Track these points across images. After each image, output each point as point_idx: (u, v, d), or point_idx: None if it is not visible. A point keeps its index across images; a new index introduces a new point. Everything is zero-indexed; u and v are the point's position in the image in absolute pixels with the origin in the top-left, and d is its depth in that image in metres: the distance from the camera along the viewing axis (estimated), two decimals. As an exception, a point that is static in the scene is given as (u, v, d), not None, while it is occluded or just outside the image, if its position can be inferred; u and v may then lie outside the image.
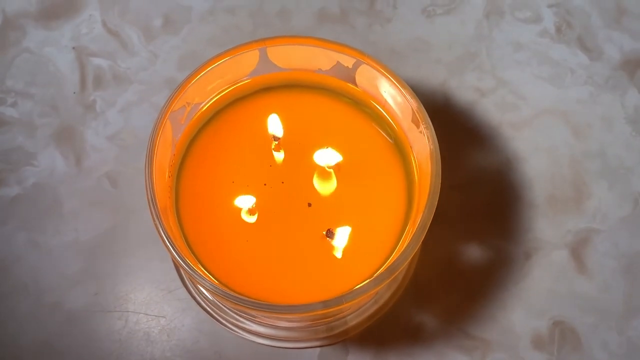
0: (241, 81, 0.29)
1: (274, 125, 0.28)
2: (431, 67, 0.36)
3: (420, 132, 0.27)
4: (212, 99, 0.29)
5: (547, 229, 0.33)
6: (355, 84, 0.29)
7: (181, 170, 0.29)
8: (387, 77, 0.27)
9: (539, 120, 0.35)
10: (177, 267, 0.32)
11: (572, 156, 0.34)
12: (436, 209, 0.33)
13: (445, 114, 0.35)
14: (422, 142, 0.27)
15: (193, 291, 0.31)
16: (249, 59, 0.28)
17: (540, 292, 0.32)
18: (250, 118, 0.30)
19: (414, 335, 0.31)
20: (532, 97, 0.35)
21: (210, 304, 0.31)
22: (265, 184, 0.29)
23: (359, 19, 0.37)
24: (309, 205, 0.28)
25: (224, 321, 0.31)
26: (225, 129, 0.29)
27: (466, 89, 0.36)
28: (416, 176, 0.28)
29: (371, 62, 0.27)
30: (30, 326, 0.31)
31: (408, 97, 0.26)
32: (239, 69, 0.28)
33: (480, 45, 0.36)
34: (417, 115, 0.26)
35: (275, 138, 0.28)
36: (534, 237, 0.33)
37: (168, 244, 0.24)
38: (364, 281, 0.25)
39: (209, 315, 0.31)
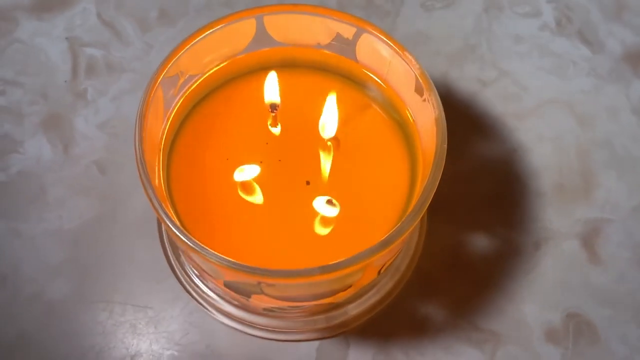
0: (237, 55, 0.28)
1: (272, 88, 0.27)
2: (431, 59, 0.35)
3: (424, 100, 0.25)
4: (207, 73, 0.28)
5: (556, 218, 0.32)
6: (356, 59, 0.28)
7: (173, 145, 0.27)
8: (388, 44, 0.26)
9: (542, 111, 0.34)
10: (166, 255, 0.30)
11: (578, 146, 0.33)
12: (439, 198, 0.32)
13: (447, 105, 0.34)
14: (426, 113, 0.26)
15: (183, 280, 0.29)
16: (245, 29, 0.27)
17: (552, 283, 0.30)
18: (246, 98, 0.29)
19: (419, 328, 0.29)
20: (535, 87, 0.35)
21: (202, 293, 0.29)
22: (261, 162, 0.27)
23: (357, 14, 0.36)
24: (307, 183, 0.27)
25: (215, 312, 0.29)
26: (220, 107, 0.28)
27: (467, 79, 0.35)
28: (420, 153, 0.27)
29: (372, 28, 0.26)
30: (6, 318, 0.29)
31: (411, 62, 0.25)
32: (235, 41, 0.27)
33: (480, 37, 0.36)
34: (421, 81, 0.25)
35: (273, 107, 0.27)
36: (542, 227, 0.31)
37: (161, 214, 0.22)
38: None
39: (200, 306, 0.29)
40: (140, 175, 0.23)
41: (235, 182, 0.26)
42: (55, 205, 0.31)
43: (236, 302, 0.28)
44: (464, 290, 0.30)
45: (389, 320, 0.29)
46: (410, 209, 0.23)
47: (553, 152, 0.33)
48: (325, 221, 0.26)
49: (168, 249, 0.30)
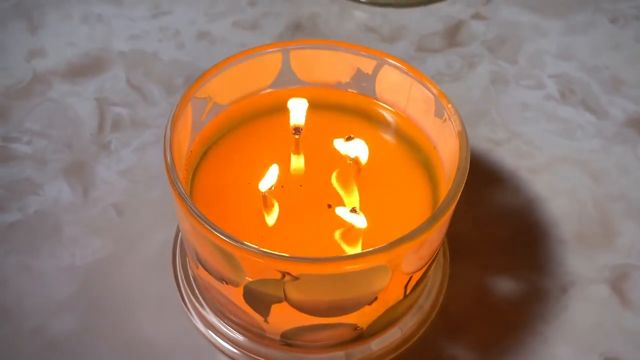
0: (263, 91, 0.30)
1: (297, 112, 0.27)
2: (443, 122, 0.37)
3: (445, 120, 0.26)
4: (233, 102, 0.29)
5: (580, 264, 0.31)
6: (375, 95, 0.29)
7: (197, 169, 0.28)
8: (408, 73, 0.27)
9: (555, 167, 0.35)
10: (180, 293, 0.29)
11: (594, 198, 0.33)
12: (461, 241, 0.31)
13: (461, 161, 0.35)
14: (447, 134, 0.26)
15: (195, 316, 0.28)
16: (271, 63, 0.29)
17: (585, 326, 0.29)
18: (270, 133, 0.29)
19: (447, 370, 0.27)
20: (546, 147, 0.36)
21: (213, 328, 0.27)
22: (282, 186, 0.27)
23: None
24: (329, 206, 0.27)
25: (227, 345, 0.27)
26: (245, 140, 0.29)
27: (479, 139, 0.36)
28: (442, 179, 0.27)
29: (392, 59, 0.28)
30: (8, 351, 0.27)
31: (430, 86, 0.27)
32: (261, 74, 0.29)
33: (489, 105, 0.38)
34: (440, 100, 0.26)
35: (297, 130, 0.28)
36: (567, 272, 0.31)
37: (181, 194, 0.22)
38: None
39: (209, 344, 0.27)
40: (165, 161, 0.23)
41: (257, 206, 0.26)
42: (69, 243, 0.31)
43: (252, 332, 0.26)
44: (491, 332, 0.28)
45: (414, 361, 0.27)
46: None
47: (570, 203, 0.33)
48: (351, 237, 0.25)
49: (182, 286, 0.29)
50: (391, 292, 0.24)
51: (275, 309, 0.24)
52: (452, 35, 0.42)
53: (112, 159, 0.34)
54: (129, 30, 0.40)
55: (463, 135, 0.25)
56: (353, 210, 0.25)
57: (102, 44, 0.40)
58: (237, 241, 0.21)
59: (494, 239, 0.32)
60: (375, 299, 0.24)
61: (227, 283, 0.24)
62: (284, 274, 0.22)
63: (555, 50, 0.41)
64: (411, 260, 0.23)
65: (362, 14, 0.43)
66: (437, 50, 0.40)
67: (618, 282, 0.30)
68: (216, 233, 0.22)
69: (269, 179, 0.26)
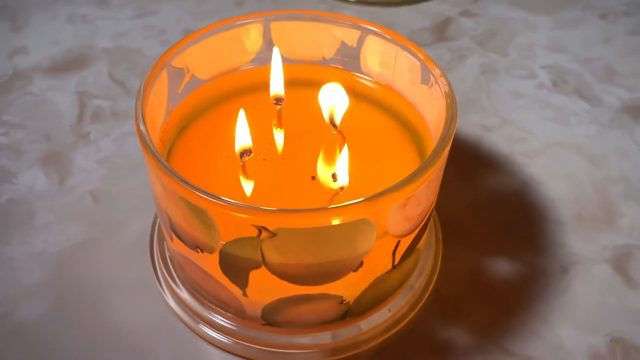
0: (244, 68, 0.29)
1: (277, 81, 0.26)
2: (434, 111, 0.36)
3: (431, 85, 0.25)
4: (213, 78, 0.28)
5: (581, 244, 0.29)
6: (360, 70, 0.29)
7: (173, 146, 0.26)
8: (393, 40, 0.26)
9: (551, 151, 0.34)
10: (157, 277, 0.27)
11: (593, 181, 0.32)
12: (454, 223, 0.30)
13: (453, 146, 0.34)
14: (435, 99, 0.25)
15: (172, 304, 0.26)
16: (251, 37, 0.28)
17: (589, 307, 0.27)
18: (250, 112, 0.28)
19: (442, 353, 0.25)
20: (540, 132, 0.35)
21: (191, 312, 0.26)
22: (264, 159, 0.26)
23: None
24: (313, 178, 0.26)
25: (208, 330, 0.25)
26: (224, 118, 0.28)
27: (471, 126, 0.35)
28: (430, 149, 0.26)
29: (376, 26, 0.27)
30: (-34, 337, 0.25)
31: (416, 51, 0.26)
32: (241, 49, 0.28)
33: (480, 94, 0.37)
34: (427, 65, 0.25)
35: (278, 100, 0.26)
36: (568, 252, 0.29)
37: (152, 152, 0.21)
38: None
39: (188, 330, 0.26)
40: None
41: (236, 181, 0.25)
42: (42, 230, 0.29)
43: (231, 311, 0.25)
44: (489, 314, 0.27)
45: (407, 345, 0.26)
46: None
47: (567, 186, 0.32)
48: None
49: (159, 269, 0.27)
50: (378, 258, 0.23)
51: (253, 277, 0.22)
52: (441, 30, 0.41)
53: (91, 148, 0.33)
54: (114, 29, 0.40)
55: (450, 95, 0.24)
56: (335, 176, 0.23)
57: (86, 42, 0.39)
58: (209, 195, 0.20)
59: (490, 221, 0.30)
60: (361, 264, 0.22)
61: (202, 251, 0.22)
62: (260, 230, 0.20)
63: (546, 43, 0.40)
64: (397, 219, 0.21)
65: (350, 13, 0.42)
66: (427, 44, 0.40)
67: (621, 262, 0.29)
68: (188, 187, 0.20)
69: (242, 134, 0.24)
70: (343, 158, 0.24)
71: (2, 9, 0.41)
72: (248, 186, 0.24)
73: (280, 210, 0.20)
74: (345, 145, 0.24)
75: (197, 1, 0.42)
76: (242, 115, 0.25)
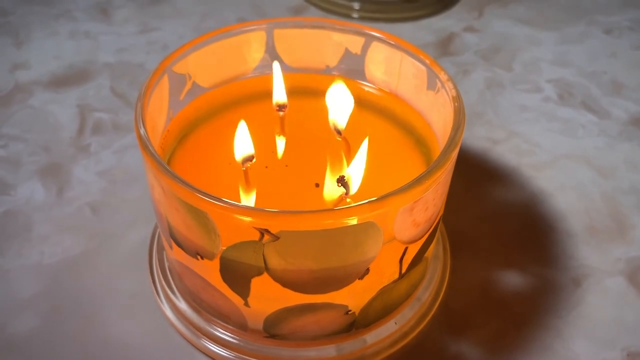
0: (247, 75, 0.28)
1: (279, 88, 0.26)
2: (439, 123, 0.35)
3: (438, 90, 0.25)
4: (215, 86, 0.27)
5: (593, 256, 0.28)
6: (365, 78, 0.28)
7: (174, 154, 0.26)
8: (398, 46, 0.26)
9: (559, 164, 0.33)
10: (155, 289, 0.26)
11: (603, 192, 0.31)
12: (462, 237, 0.29)
13: (459, 159, 0.33)
14: (442, 104, 0.25)
15: (171, 316, 0.25)
16: (254, 44, 0.27)
17: (603, 320, 0.26)
18: (253, 120, 0.28)
19: (452, 367, 0.24)
20: (547, 145, 0.34)
21: (191, 324, 0.25)
22: (266, 167, 0.26)
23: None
24: (317, 185, 0.25)
25: (208, 344, 0.24)
26: (227, 127, 0.27)
27: (477, 139, 0.34)
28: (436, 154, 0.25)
29: (381, 33, 0.26)
30: (-44, 350, 0.24)
31: (422, 57, 0.25)
32: (244, 56, 0.28)
33: (486, 107, 0.36)
34: (433, 69, 0.25)
35: (281, 107, 0.26)
36: (580, 264, 0.28)
37: (152, 153, 0.20)
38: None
39: (187, 343, 0.25)
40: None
41: (238, 188, 0.24)
42: (38, 241, 0.28)
43: (232, 324, 0.24)
44: (500, 327, 0.26)
45: (415, 359, 0.24)
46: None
47: (577, 198, 0.31)
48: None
49: (157, 281, 0.26)
50: (385, 265, 0.22)
51: (255, 285, 0.21)
52: (445, 45, 0.41)
53: (91, 160, 0.32)
54: (116, 44, 0.40)
55: (458, 99, 0.23)
56: (340, 180, 0.23)
57: (88, 57, 0.39)
58: (210, 196, 0.19)
59: (499, 234, 0.29)
60: (367, 271, 0.21)
61: (202, 257, 0.21)
62: (262, 233, 0.19)
63: (551, 58, 0.40)
64: (404, 223, 0.21)
65: (353, 29, 0.42)
66: (430, 59, 0.39)
67: (635, 275, 0.28)
68: (188, 189, 0.20)
69: (243, 142, 0.24)
70: (359, 165, 0.23)
71: (5, 25, 0.41)
72: (249, 199, 0.23)
73: (283, 212, 0.19)
74: (365, 153, 0.23)
75: (200, 18, 0.42)
76: (242, 125, 0.24)
